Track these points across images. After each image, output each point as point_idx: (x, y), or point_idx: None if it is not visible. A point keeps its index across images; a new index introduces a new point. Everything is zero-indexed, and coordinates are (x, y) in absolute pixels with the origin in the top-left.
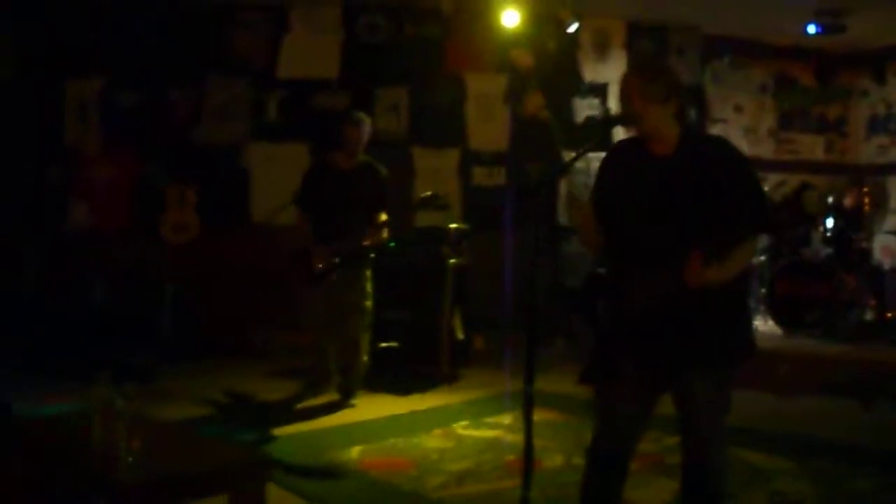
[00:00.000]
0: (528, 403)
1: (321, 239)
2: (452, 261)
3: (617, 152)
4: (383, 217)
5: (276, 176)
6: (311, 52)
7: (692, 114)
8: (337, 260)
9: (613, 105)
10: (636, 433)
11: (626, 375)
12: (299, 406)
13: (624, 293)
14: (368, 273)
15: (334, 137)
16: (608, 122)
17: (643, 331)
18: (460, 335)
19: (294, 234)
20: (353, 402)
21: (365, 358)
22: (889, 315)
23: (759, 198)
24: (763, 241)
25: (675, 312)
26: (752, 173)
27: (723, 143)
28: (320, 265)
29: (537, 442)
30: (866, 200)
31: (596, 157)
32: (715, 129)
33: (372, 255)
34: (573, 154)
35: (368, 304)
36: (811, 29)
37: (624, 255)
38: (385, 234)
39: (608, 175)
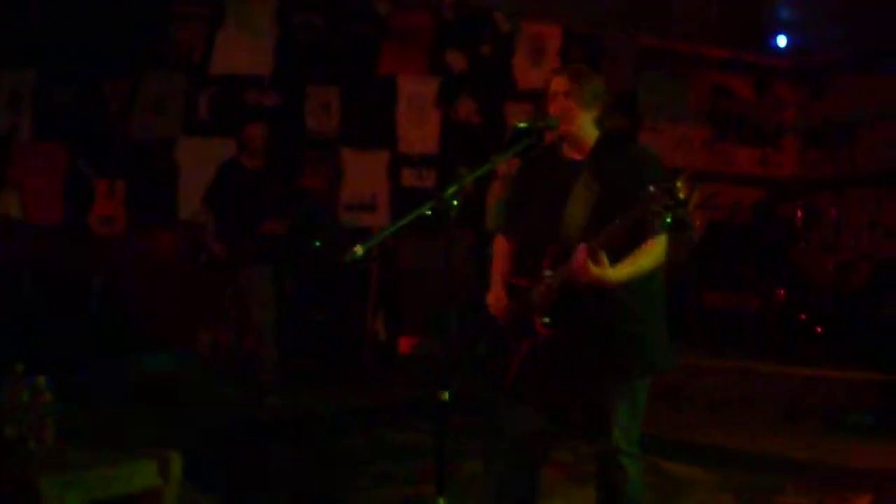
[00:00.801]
0: (441, 410)
1: (225, 237)
2: (377, 262)
3: (530, 160)
4: (288, 216)
5: (206, 172)
6: (245, 48)
7: (623, 122)
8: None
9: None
10: (549, 441)
11: (537, 387)
12: (221, 402)
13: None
14: (272, 268)
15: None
16: (534, 127)
17: (548, 342)
18: (384, 337)
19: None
20: (270, 398)
21: (273, 351)
22: (819, 330)
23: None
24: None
25: (580, 323)
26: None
27: (639, 152)
28: (212, 260)
29: (457, 446)
30: (799, 214)
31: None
32: (647, 138)
33: (278, 250)
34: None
35: (273, 297)
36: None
37: (530, 260)
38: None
39: (519, 182)
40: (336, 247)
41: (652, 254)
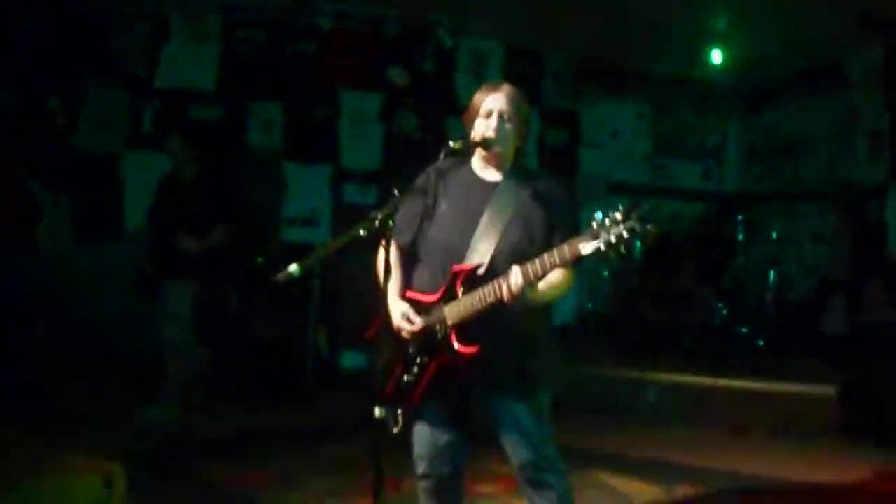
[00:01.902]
0: (377, 425)
1: (153, 252)
2: (319, 279)
3: (438, 170)
4: (222, 230)
5: (151, 186)
6: (188, 62)
7: (564, 137)
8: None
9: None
10: (463, 456)
11: (445, 404)
12: (167, 418)
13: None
14: (196, 283)
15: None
16: (470, 145)
17: (460, 361)
18: (326, 352)
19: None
20: (173, 413)
21: (182, 368)
22: (761, 343)
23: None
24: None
25: (494, 342)
26: (573, 212)
27: (550, 180)
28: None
29: (398, 462)
30: (741, 229)
31: None
32: (588, 154)
33: (197, 267)
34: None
35: (190, 312)
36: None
37: (433, 276)
38: (216, 240)
39: (425, 193)
40: (278, 262)
41: (564, 283)
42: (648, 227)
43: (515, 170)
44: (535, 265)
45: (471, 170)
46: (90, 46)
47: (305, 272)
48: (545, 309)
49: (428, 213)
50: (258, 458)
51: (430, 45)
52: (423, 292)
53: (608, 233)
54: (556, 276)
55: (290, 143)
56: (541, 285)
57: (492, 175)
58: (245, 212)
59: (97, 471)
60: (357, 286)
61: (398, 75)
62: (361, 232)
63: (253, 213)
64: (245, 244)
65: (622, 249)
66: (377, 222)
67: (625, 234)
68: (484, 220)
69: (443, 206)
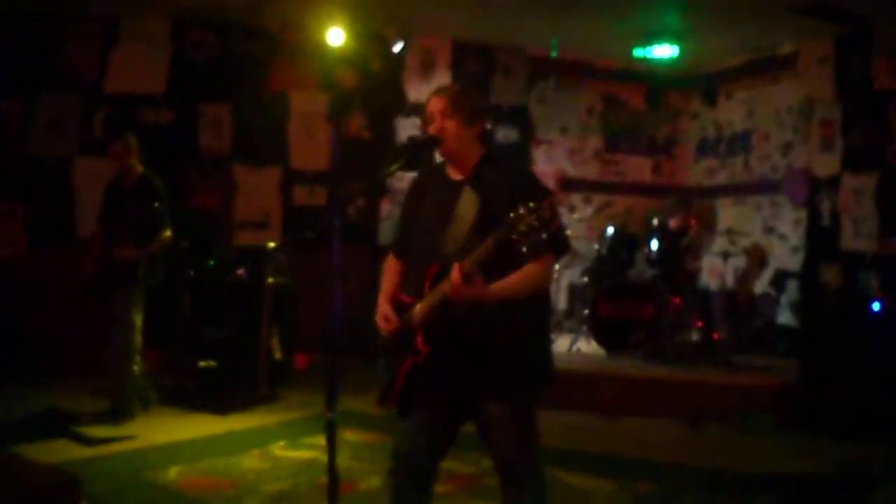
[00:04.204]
0: (330, 430)
1: (96, 258)
2: (270, 280)
3: (419, 179)
4: (165, 234)
5: (103, 193)
6: (138, 66)
7: (515, 135)
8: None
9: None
10: (437, 455)
11: (423, 402)
12: (118, 425)
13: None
14: (138, 289)
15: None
16: (416, 143)
17: (433, 359)
18: (278, 355)
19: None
20: (124, 420)
21: (133, 373)
22: (716, 336)
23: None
24: (586, 261)
25: (456, 341)
26: (535, 191)
27: (517, 171)
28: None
29: (355, 464)
30: (692, 223)
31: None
32: (539, 151)
33: (146, 271)
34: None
35: (134, 318)
36: (637, 53)
37: (416, 279)
38: (157, 246)
39: (408, 202)
40: (230, 265)
41: (532, 275)
42: (553, 213)
43: (481, 164)
44: (470, 257)
45: (444, 174)
46: (40, 51)
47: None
48: (529, 305)
49: (413, 221)
50: (214, 463)
51: (377, 45)
52: (408, 296)
53: (521, 222)
54: (525, 270)
55: (239, 144)
56: (506, 280)
57: (459, 176)
58: (194, 215)
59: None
60: (310, 287)
61: (345, 76)
62: (310, 234)
63: (203, 216)
64: (196, 247)
65: (533, 236)
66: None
67: (534, 222)
68: (453, 221)
69: (422, 212)
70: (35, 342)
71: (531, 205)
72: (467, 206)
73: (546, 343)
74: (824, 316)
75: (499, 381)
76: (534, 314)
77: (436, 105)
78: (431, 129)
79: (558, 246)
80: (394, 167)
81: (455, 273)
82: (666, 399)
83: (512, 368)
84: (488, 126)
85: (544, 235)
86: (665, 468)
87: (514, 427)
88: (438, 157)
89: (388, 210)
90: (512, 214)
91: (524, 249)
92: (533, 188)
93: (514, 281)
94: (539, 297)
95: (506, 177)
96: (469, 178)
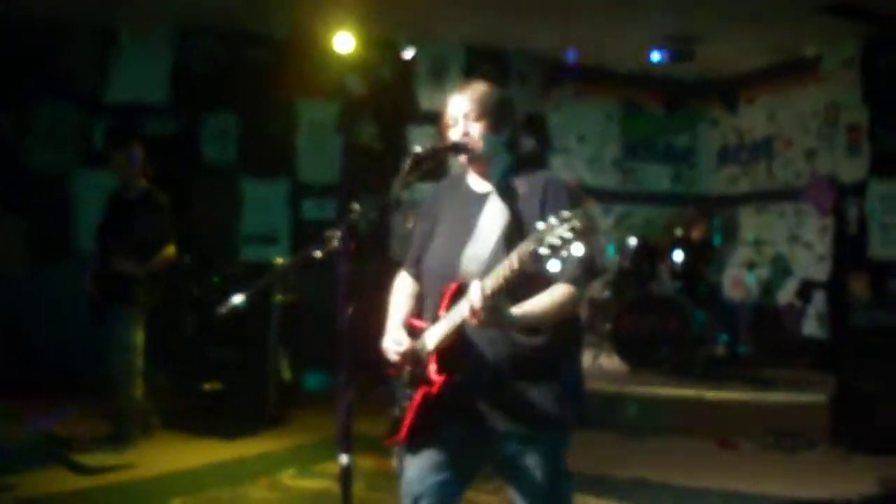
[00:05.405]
0: (345, 477)
1: (95, 274)
2: (279, 297)
3: (437, 189)
4: (168, 250)
5: (103, 205)
6: (140, 75)
7: (531, 143)
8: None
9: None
10: (452, 498)
11: (437, 439)
12: (118, 451)
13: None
14: (138, 308)
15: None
16: (438, 150)
17: (449, 391)
18: (287, 376)
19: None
20: (125, 446)
21: (133, 397)
22: (741, 350)
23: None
24: (607, 274)
25: (474, 370)
26: (567, 204)
27: (552, 179)
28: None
29: (371, 495)
30: (717, 232)
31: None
32: (557, 160)
33: (147, 289)
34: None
35: (135, 338)
36: (655, 57)
37: (431, 300)
38: (160, 262)
39: (423, 215)
40: (237, 282)
41: (562, 298)
42: (590, 225)
43: (510, 173)
44: (492, 277)
45: (466, 184)
46: (38, 61)
47: (251, 301)
48: (559, 327)
49: (429, 238)
50: (219, 493)
51: (387, 51)
52: (422, 319)
53: (551, 235)
54: (554, 292)
55: (245, 156)
56: (532, 302)
57: (483, 186)
58: (198, 230)
59: None
60: (318, 306)
61: (355, 84)
62: (317, 254)
63: (208, 230)
64: (201, 263)
65: (564, 252)
66: (335, 242)
67: (566, 234)
68: (475, 235)
69: (440, 227)
70: (38, 358)
71: (563, 214)
72: (492, 218)
73: (579, 372)
74: (859, 327)
75: (526, 417)
76: (565, 338)
77: (459, 107)
78: (454, 134)
79: (592, 266)
80: (413, 177)
81: (475, 294)
82: (694, 417)
83: (541, 403)
84: (517, 132)
85: (577, 252)
86: (697, 493)
87: (545, 470)
88: (456, 166)
89: (400, 223)
90: (541, 225)
91: (554, 267)
92: (565, 197)
93: (541, 304)
94: (572, 323)
95: (536, 186)
96: (496, 189)
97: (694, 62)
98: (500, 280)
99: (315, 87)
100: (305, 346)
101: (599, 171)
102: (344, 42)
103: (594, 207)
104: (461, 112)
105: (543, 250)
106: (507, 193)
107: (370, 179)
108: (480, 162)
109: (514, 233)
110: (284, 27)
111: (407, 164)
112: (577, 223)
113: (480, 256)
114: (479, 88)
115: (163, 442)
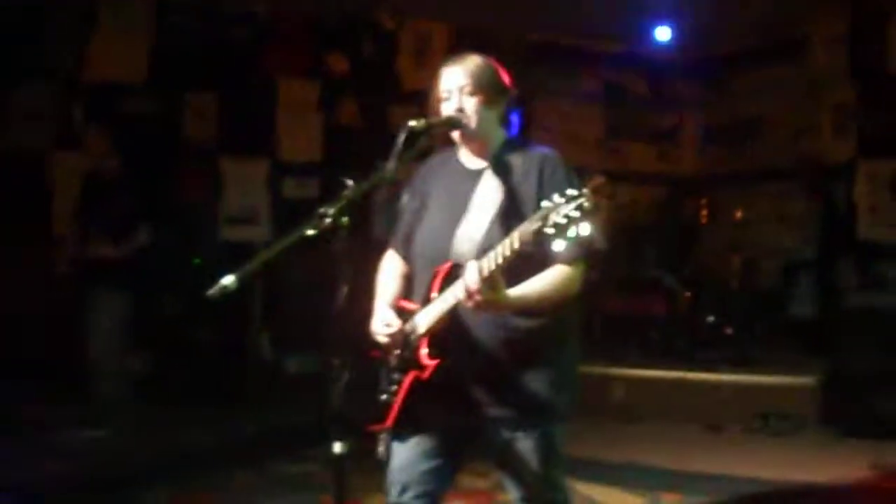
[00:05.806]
0: (338, 464)
1: (73, 256)
2: (259, 278)
3: (425, 169)
4: (145, 231)
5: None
6: (119, 53)
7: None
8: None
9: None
10: (440, 487)
11: (426, 426)
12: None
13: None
14: (117, 290)
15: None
16: (432, 126)
17: (440, 376)
18: (269, 356)
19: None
20: (101, 432)
21: (114, 380)
22: (728, 331)
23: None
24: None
25: (468, 354)
26: (566, 184)
27: (551, 157)
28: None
29: (359, 480)
30: (703, 213)
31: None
32: (538, 138)
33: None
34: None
35: (114, 321)
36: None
37: (421, 282)
38: (138, 242)
39: (412, 192)
40: (218, 263)
41: (562, 282)
42: (598, 203)
43: (505, 150)
44: (490, 258)
45: (457, 161)
46: (15, 40)
47: (243, 282)
48: (556, 315)
49: (419, 216)
50: (204, 477)
51: (369, 29)
52: (412, 301)
53: (557, 213)
54: (553, 273)
55: (226, 135)
56: (530, 285)
57: (477, 163)
58: (177, 210)
59: None
60: (301, 287)
61: (337, 62)
62: (310, 232)
63: (188, 211)
64: (181, 244)
65: (571, 231)
66: (328, 220)
67: (573, 213)
68: (468, 214)
69: (430, 205)
70: (8, 343)
71: (570, 192)
72: (486, 196)
73: (576, 357)
74: (849, 309)
75: (519, 403)
76: (564, 322)
77: (454, 80)
78: (448, 108)
79: (593, 247)
80: (408, 155)
81: (471, 274)
82: (682, 400)
83: (538, 390)
84: (510, 107)
85: (585, 231)
86: (687, 477)
87: (540, 459)
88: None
89: (385, 198)
90: (546, 203)
91: (557, 248)
92: (563, 174)
93: (539, 287)
94: (570, 308)
95: (533, 163)
96: (489, 166)
97: (680, 42)
98: (499, 260)
99: (296, 65)
100: (287, 327)
101: (582, 149)
102: (326, 20)
103: (602, 184)
104: (456, 85)
105: (549, 230)
106: (501, 171)
107: (352, 159)
108: (474, 138)
109: (510, 211)
110: (264, 4)
111: (401, 139)
112: (584, 202)
113: (474, 236)
114: (474, 61)
115: (144, 426)
